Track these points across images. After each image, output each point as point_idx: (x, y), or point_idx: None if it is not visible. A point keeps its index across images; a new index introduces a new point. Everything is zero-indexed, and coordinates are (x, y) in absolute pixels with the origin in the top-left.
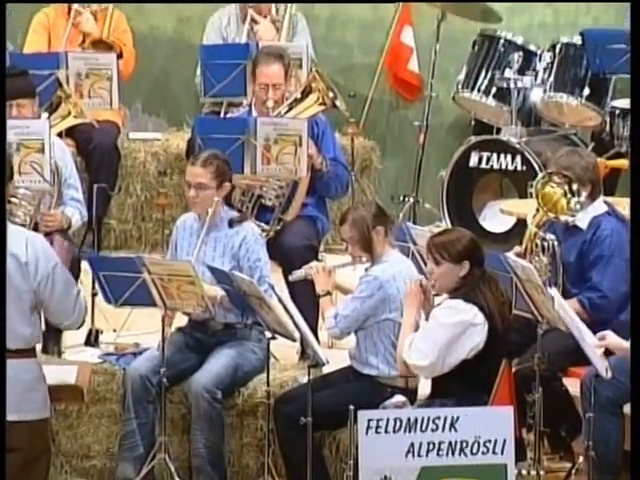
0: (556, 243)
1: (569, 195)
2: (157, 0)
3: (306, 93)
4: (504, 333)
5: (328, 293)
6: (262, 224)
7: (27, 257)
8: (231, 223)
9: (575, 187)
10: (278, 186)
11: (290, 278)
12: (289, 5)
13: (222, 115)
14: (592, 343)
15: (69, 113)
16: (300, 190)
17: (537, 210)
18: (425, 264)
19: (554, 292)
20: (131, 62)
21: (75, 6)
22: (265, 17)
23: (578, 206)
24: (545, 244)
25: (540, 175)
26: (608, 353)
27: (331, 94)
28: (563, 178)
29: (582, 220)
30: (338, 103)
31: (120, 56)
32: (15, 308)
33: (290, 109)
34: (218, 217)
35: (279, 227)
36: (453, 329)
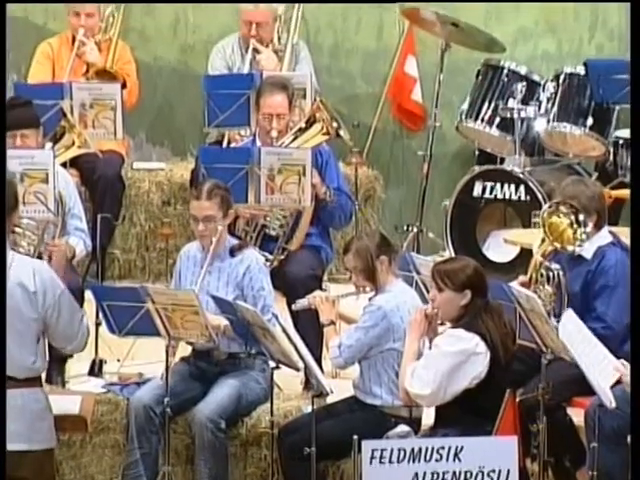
0: (561, 273)
1: (575, 225)
2: (165, 0)
3: (310, 123)
4: (507, 363)
5: (332, 323)
6: (266, 254)
7: (35, 286)
8: (232, 251)
9: (582, 218)
10: (282, 216)
11: (293, 307)
12: (291, 34)
13: (225, 145)
14: (609, 364)
15: (73, 143)
16: (304, 220)
17: (543, 240)
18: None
19: (570, 312)
20: (135, 92)
21: (79, 36)
22: (267, 46)
23: (584, 236)
24: (550, 274)
25: (547, 205)
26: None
27: (335, 124)
28: (570, 208)
29: (587, 250)
30: (342, 133)
31: (124, 86)
32: (23, 338)
33: (294, 139)
34: (222, 246)
35: (283, 257)
36: (455, 358)
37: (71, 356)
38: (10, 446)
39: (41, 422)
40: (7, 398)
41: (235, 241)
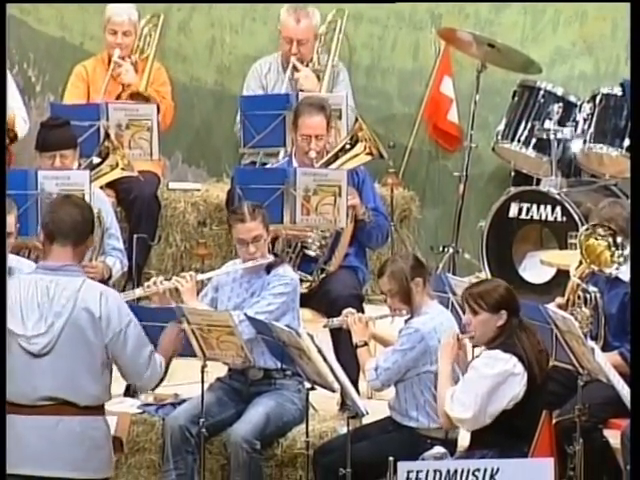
0: (598, 295)
1: (613, 248)
2: (191, 0)
3: (353, 142)
4: (542, 383)
5: (365, 344)
6: (306, 274)
7: (100, 312)
8: (269, 268)
9: (619, 240)
10: (321, 236)
11: (325, 326)
12: (331, 55)
13: (258, 166)
14: None
15: (117, 165)
16: (343, 240)
17: (580, 262)
18: None
19: (593, 344)
20: (169, 115)
21: (115, 57)
22: (307, 66)
23: (622, 259)
24: (587, 296)
25: (584, 227)
26: None
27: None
28: (607, 230)
29: (624, 272)
30: (383, 153)
31: (158, 110)
32: (86, 364)
33: (337, 158)
34: (262, 265)
35: (322, 277)
36: (493, 380)
37: None
38: (66, 473)
39: (98, 451)
40: (65, 424)
41: (270, 257)
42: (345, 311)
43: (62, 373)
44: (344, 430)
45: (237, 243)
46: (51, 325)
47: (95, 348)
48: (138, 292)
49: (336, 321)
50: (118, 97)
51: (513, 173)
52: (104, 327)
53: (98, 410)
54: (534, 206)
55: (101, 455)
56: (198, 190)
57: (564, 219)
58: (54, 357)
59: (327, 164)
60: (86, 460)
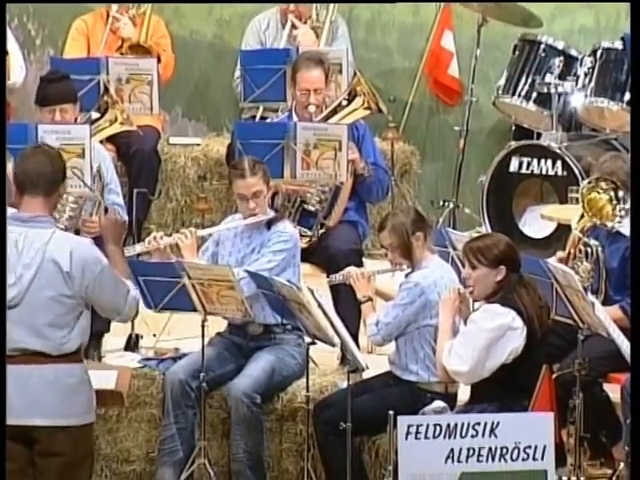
0: (600, 249)
1: (615, 201)
2: (196, 0)
3: (352, 97)
4: (542, 337)
5: (369, 299)
6: (305, 229)
7: (70, 267)
8: (269, 224)
9: (621, 194)
10: (321, 191)
11: (328, 282)
12: (329, 11)
13: (257, 120)
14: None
15: (116, 119)
16: (342, 195)
17: (582, 216)
18: None
19: (593, 299)
20: (170, 67)
21: (113, 12)
22: (305, 22)
23: (623, 212)
24: (589, 250)
25: (586, 181)
26: None
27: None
28: (610, 184)
29: (626, 226)
30: (382, 107)
31: (158, 61)
32: (56, 315)
33: (335, 113)
34: (262, 221)
35: (322, 232)
36: (491, 333)
37: (108, 331)
38: (42, 421)
39: (75, 396)
40: (39, 373)
41: (271, 213)
42: (347, 269)
43: (32, 324)
44: (344, 384)
45: (237, 198)
46: (20, 277)
47: (65, 299)
48: (139, 248)
49: (339, 276)
50: (119, 49)
51: (514, 127)
52: (78, 281)
53: (72, 357)
54: (534, 160)
55: (80, 400)
56: (198, 144)
57: (564, 173)
58: (23, 308)
59: (325, 119)
60: (63, 406)
